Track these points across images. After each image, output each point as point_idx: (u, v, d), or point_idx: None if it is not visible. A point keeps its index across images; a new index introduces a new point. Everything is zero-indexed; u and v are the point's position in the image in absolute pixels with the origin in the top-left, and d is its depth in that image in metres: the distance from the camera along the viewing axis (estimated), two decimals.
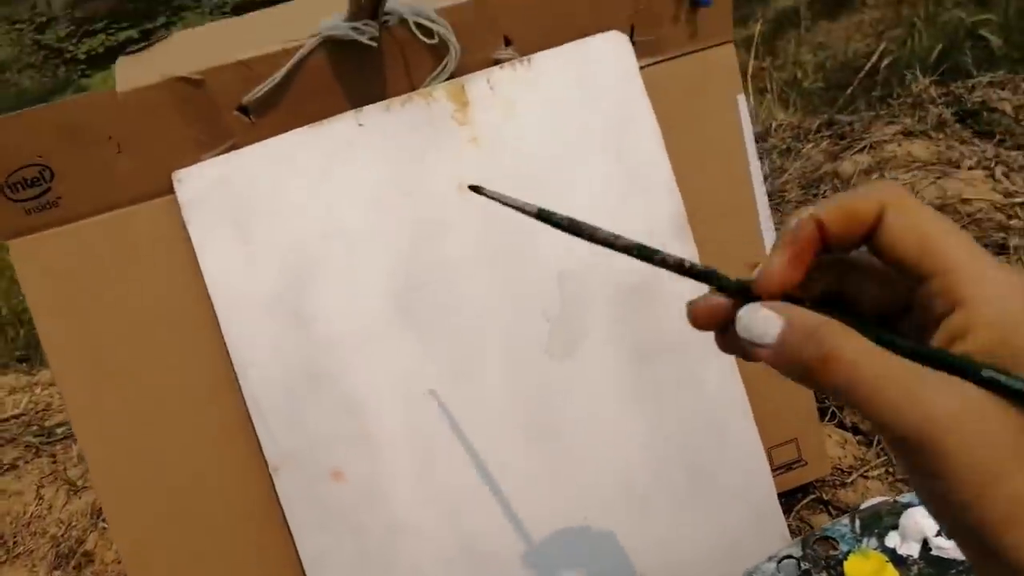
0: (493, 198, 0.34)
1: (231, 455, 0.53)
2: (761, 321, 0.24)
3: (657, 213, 0.52)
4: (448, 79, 0.51)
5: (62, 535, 0.81)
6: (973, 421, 0.20)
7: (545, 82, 0.51)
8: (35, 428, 1.02)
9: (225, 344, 0.51)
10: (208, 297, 0.51)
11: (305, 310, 0.51)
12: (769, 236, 0.55)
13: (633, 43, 0.53)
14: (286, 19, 0.55)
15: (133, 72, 0.51)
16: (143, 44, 0.53)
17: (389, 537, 0.52)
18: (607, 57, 0.52)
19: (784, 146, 1.03)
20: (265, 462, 0.52)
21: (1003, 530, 0.20)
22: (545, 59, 0.52)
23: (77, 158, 0.50)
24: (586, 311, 0.52)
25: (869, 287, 0.26)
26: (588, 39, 0.52)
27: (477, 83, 0.51)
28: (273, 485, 0.52)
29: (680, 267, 0.26)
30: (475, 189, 0.37)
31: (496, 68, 0.52)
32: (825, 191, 0.88)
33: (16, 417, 1.05)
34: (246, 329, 0.51)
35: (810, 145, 1.02)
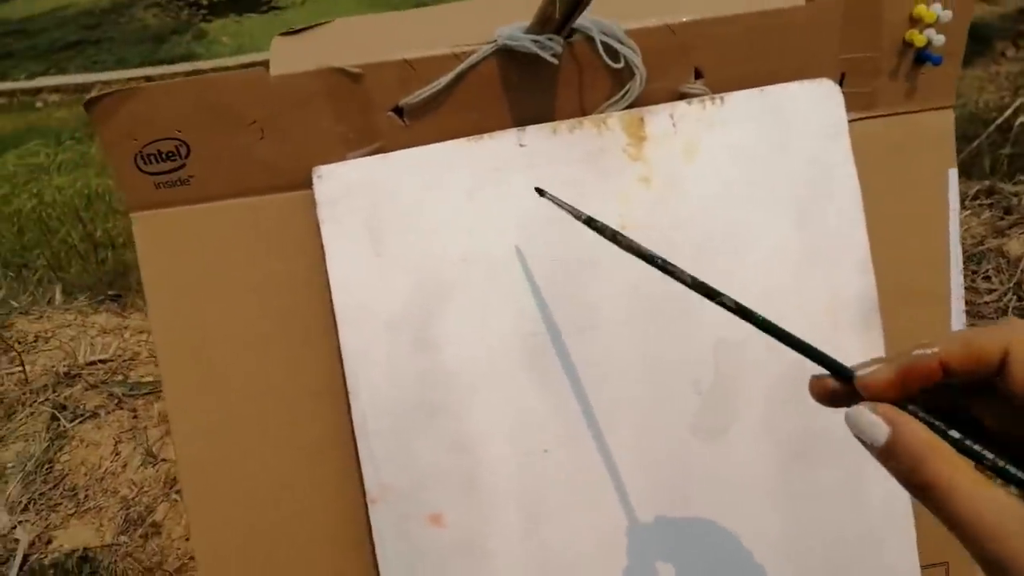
0: (554, 201, 0.41)
1: (327, 475, 0.49)
2: (868, 425, 0.25)
3: (844, 293, 0.45)
4: (627, 108, 0.46)
5: (133, 498, 0.79)
6: None
7: (737, 126, 0.45)
8: (120, 377, 1.02)
9: (340, 356, 0.47)
10: (330, 304, 0.47)
11: (430, 336, 0.47)
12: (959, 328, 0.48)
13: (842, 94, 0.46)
14: (454, 21, 0.50)
15: (288, 56, 0.47)
16: (302, 27, 0.49)
17: None
18: (813, 107, 0.45)
19: None
20: (362, 489, 0.48)
21: None
22: (740, 100, 0.46)
23: (217, 138, 0.47)
24: (742, 390, 0.46)
25: (995, 409, 0.26)
26: (793, 84, 0.45)
27: (658, 117, 0.46)
28: (367, 514, 0.48)
29: (766, 326, 0.28)
30: (540, 192, 0.43)
31: (682, 103, 0.46)
32: (988, 270, 0.79)
33: (104, 362, 1.05)
34: (365, 345, 0.47)
35: (968, 213, 0.92)
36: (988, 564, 0.22)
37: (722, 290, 0.30)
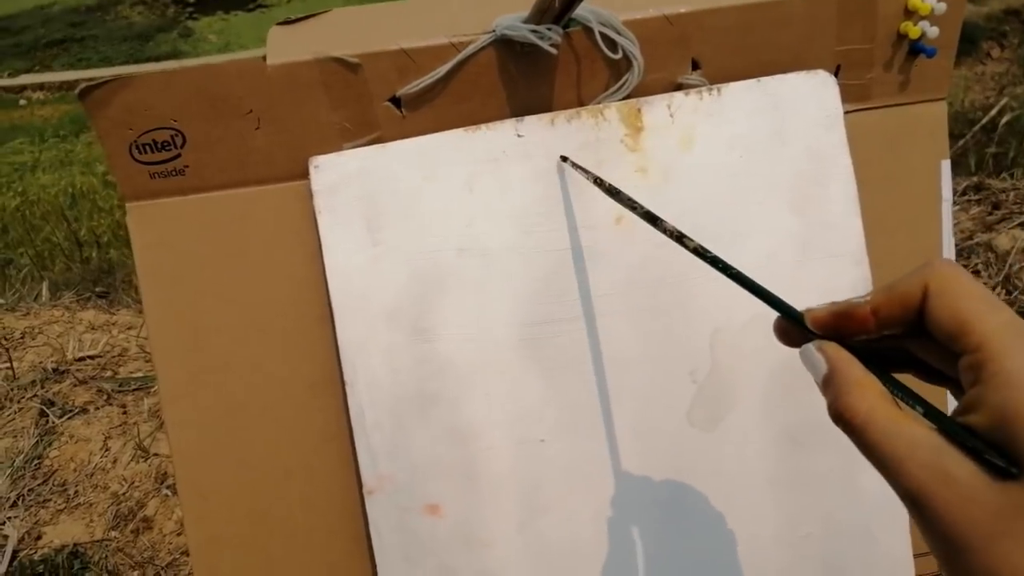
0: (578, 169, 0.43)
1: (324, 466, 0.49)
2: (812, 360, 0.27)
3: (839, 282, 0.46)
4: (624, 99, 0.46)
5: (123, 493, 0.79)
6: (953, 496, 0.22)
7: (734, 117, 0.46)
8: (109, 373, 1.01)
9: (336, 347, 0.47)
10: (327, 295, 0.47)
11: (427, 326, 0.47)
12: None
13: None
14: (452, 11, 0.50)
15: (285, 45, 0.47)
16: (299, 16, 0.49)
17: None
18: (809, 98, 0.46)
19: None
20: (358, 479, 0.48)
21: None
22: (737, 91, 0.46)
23: (213, 128, 0.46)
24: (739, 380, 0.46)
25: (931, 350, 0.27)
26: (790, 75, 0.46)
27: (656, 108, 0.46)
28: (362, 504, 0.48)
29: (740, 279, 0.30)
30: (564, 159, 0.45)
31: (679, 93, 0.46)
32: (976, 264, 0.80)
33: (92, 358, 1.04)
34: (362, 335, 0.47)
35: (957, 208, 0.93)
36: (904, 498, 0.24)
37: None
